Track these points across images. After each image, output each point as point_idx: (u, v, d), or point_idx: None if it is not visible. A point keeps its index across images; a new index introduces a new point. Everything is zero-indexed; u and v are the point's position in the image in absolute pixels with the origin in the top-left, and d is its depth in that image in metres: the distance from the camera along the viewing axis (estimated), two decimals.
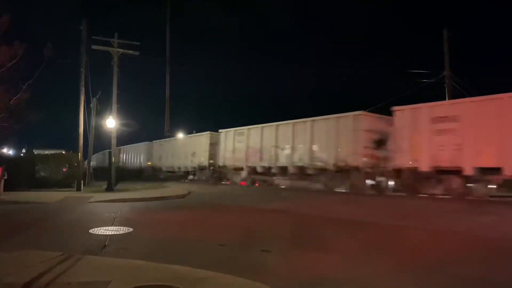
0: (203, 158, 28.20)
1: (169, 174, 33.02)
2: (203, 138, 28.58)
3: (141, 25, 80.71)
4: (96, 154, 42.85)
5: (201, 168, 28.50)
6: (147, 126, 65.43)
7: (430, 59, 45.91)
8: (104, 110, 23.46)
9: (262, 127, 23.01)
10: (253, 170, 23.25)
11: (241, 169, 23.95)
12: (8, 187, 16.14)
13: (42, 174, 21.43)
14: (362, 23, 69.39)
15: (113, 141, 21.39)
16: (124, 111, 23.51)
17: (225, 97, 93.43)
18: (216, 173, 27.06)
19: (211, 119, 71.82)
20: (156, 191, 18.85)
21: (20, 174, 19.17)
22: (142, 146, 38.93)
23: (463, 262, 5.76)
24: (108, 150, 26.21)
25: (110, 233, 7.77)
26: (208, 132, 27.97)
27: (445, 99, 23.70)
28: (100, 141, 27.57)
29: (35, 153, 37.84)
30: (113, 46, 20.99)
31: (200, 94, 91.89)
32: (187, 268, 5.05)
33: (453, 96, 23.80)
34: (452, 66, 25.88)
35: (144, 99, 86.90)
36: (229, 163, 25.16)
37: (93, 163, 31.26)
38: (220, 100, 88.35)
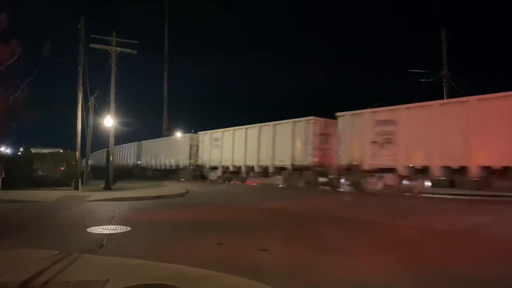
0: (300, 154, 19.77)
1: (227, 175, 25.36)
2: (301, 125, 19.95)
3: (139, 23, 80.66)
4: (95, 152, 42.14)
5: (295, 169, 20.18)
6: (146, 125, 65.49)
7: (429, 59, 46.03)
8: (102, 109, 23.44)
9: (426, 106, 15.57)
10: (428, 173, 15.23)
11: (384, 170, 16.26)
12: (5, 186, 16.11)
13: (40, 173, 21.40)
14: (361, 22, 69.44)
15: (111, 140, 21.33)
16: (123, 110, 23.50)
17: (224, 95, 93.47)
18: (324, 175, 19.22)
19: (211, 118, 71.88)
20: (154, 190, 18.82)
21: (18, 173, 19.15)
22: (180, 140, 31.09)
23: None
24: (106, 148, 26.19)
25: (108, 232, 7.77)
26: (311, 117, 19.69)
27: (443, 99, 23.68)
28: (99, 140, 27.54)
29: (33, 151, 37.78)
30: (111, 45, 20.91)
31: (199, 92, 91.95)
32: (185, 267, 5.05)
33: (451, 96, 23.82)
34: (451, 65, 25.93)
35: (142, 98, 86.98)
36: (357, 160, 17.32)
37: (91, 162, 30.47)
38: (219, 99, 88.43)
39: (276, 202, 13.73)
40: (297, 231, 8.38)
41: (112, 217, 9.77)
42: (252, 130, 23.45)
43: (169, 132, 39.20)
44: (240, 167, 24.02)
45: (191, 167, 28.79)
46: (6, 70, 21.11)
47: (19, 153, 42.31)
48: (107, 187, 19.49)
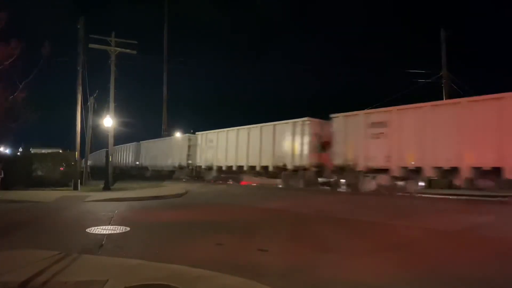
0: None
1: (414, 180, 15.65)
2: None
3: (139, 23, 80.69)
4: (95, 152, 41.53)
5: None
6: (145, 125, 65.55)
7: (428, 59, 46.07)
8: (102, 109, 23.45)
9: None
10: None
11: None
12: (5, 186, 16.13)
13: (39, 173, 21.37)
14: (361, 21, 69.48)
15: (110, 140, 21.35)
16: (122, 110, 23.51)
17: (223, 96, 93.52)
18: None
19: (210, 118, 71.82)
20: (153, 190, 18.81)
21: (17, 173, 19.15)
22: (287, 127, 20.73)
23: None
24: (105, 149, 26.18)
25: (107, 232, 7.77)
26: None
27: (442, 99, 23.72)
28: (99, 140, 27.53)
29: (32, 152, 37.75)
30: (110, 45, 20.93)
31: (198, 92, 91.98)
32: (184, 267, 5.05)
33: (450, 96, 23.88)
34: (451, 65, 25.94)
35: (142, 98, 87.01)
36: None
37: (90, 162, 30.24)
38: (218, 99, 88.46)
39: (274, 203, 13.72)
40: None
41: (112, 217, 9.76)
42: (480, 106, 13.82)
43: (168, 133, 39.14)
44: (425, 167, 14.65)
45: (313, 168, 19.58)
46: (6, 70, 21.14)
47: (19, 153, 42.33)
48: (107, 188, 19.49)
